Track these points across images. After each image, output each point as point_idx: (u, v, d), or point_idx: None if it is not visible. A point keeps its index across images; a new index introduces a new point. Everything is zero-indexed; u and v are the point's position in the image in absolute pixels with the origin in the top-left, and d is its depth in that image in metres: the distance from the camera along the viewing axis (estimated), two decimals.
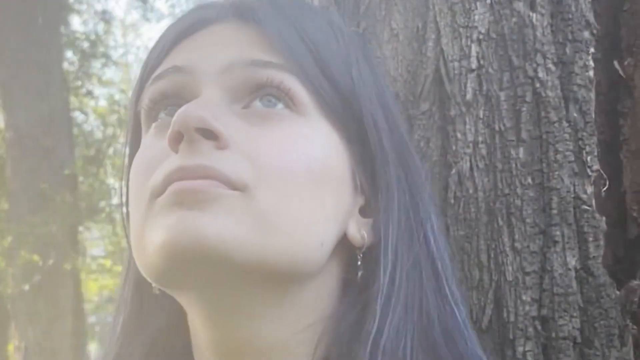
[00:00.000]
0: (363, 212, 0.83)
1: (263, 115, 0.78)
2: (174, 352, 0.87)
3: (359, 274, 0.81)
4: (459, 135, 1.04)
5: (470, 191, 1.03)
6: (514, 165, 1.02)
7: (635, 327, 0.98)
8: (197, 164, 0.72)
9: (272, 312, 0.77)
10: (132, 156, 0.88)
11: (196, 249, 0.69)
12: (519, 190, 1.02)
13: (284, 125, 0.78)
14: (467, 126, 1.04)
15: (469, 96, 1.05)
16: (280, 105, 0.79)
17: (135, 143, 0.87)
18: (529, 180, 1.02)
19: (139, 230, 0.76)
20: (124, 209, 0.90)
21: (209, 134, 0.73)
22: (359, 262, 0.81)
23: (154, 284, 0.79)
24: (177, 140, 0.74)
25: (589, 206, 1.00)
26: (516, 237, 1.01)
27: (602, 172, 1.02)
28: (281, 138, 0.77)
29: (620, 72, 1.07)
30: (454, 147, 1.04)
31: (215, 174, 0.72)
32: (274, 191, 0.74)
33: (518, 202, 1.02)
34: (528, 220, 1.01)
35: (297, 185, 0.76)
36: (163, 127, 0.80)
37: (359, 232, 0.81)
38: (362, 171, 0.83)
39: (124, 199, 0.90)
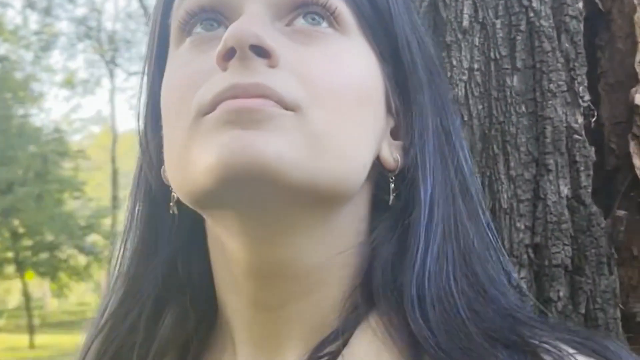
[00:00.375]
0: (393, 134, 0.81)
1: (307, 34, 0.75)
2: (192, 274, 0.84)
3: (392, 197, 0.79)
4: (454, 62, 1.01)
5: (465, 118, 1.01)
6: (508, 93, 1.01)
7: (617, 256, 1.00)
8: (252, 82, 0.68)
9: (312, 234, 0.74)
10: (154, 69, 0.83)
11: (253, 168, 0.66)
12: (513, 118, 1.00)
13: (330, 45, 0.75)
14: (463, 53, 1.01)
15: (465, 23, 1.02)
16: (324, 24, 0.76)
17: (160, 57, 0.82)
18: (523, 108, 1.01)
19: (181, 148, 0.72)
20: (141, 126, 0.85)
21: (262, 52, 0.69)
22: (392, 185, 0.79)
23: (189, 203, 0.74)
24: (229, 57, 0.69)
25: (580, 136, 1.00)
26: (511, 164, 1.00)
27: (591, 103, 1.02)
28: (329, 58, 0.74)
29: (600, 5, 1.07)
30: (449, 74, 1.01)
31: (270, 93, 0.68)
32: (325, 112, 0.71)
33: (513, 130, 1.00)
34: (522, 149, 1.00)
35: (346, 106, 0.73)
36: (200, 43, 0.76)
37: (391, 154, 0.80)
38: (396, 93, 0.81)
39: (142, 113, 0.85)
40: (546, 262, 0.98)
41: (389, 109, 0.81)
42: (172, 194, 0.81)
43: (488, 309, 0.75)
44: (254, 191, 0.68)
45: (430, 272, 0.75)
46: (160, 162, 0.82)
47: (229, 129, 0.67)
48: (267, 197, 0.69)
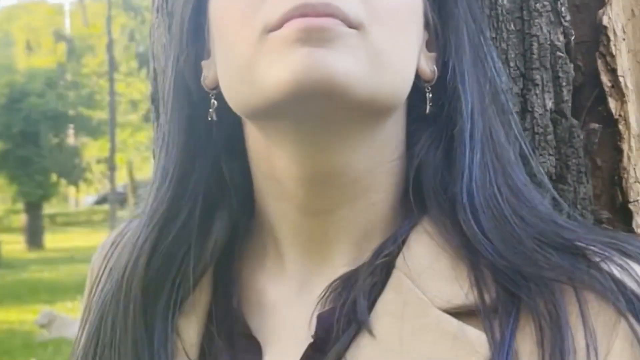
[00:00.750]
0: (428, 46, 0.84)
1: None
2: (234, 178, 0.85)
3: (428, 106, 0.82)
4: None
5: None
6: (500, 11, 1.03)
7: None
8: (321, 1, 0.70)
9: (364, 143, 0.77)
10: None
11: (324, 85, 0.68)
12: (504, 35, 1.03)
13: None
14: None
15: None
16: None
17: None
18: (512, 26, 1.03)
19: (245, 63, 0.73)
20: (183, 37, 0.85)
21: None
22: (429, 95, 0.82)
23: (247, 114, 0.77)
24: None
25: (562, 53, 1.04)
26: (502, 79, 1.02)
27: (569, 24, 1.06)
28: None
29: None
30: None
31: (337, 12, 0.70)
32: (383, 29, 0.73)
33: (504, 45, 1.03)
34: (511, 64, 1.03)
35: (399, 23, 0.76)
36: None
37: (428, 66, 0.83)
38: (432, 7, 0.84)
39: (185, 24, 0.85)
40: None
41: (426, 22, 0.83)
42: (212, 100, 0.82)
43: (531, 215, 0.78)
44: (320, 105, 0.70)
45: (477, 181, 0.78)
46: (199, 70, 0.83)
47: (300, 47, 0.68)
48: (331, 111, 0.71)
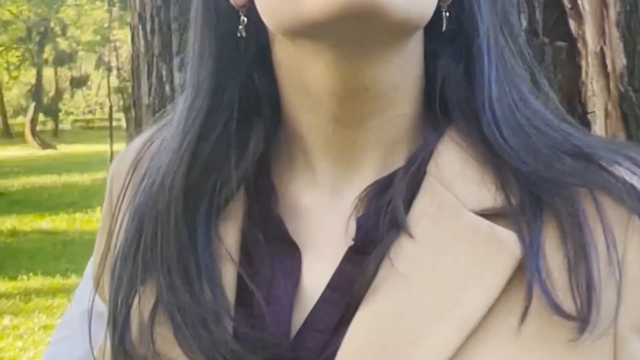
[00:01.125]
0: None
1: None
2: (265, 93, 0.86)
3: (445, 25, 0.84)
4: None
5: None
6: None
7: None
8: None
9: (392, 60, 0.79)
10: None
11: (368, 8, 0.70)
12: None
13: None
14: None
15: None
16: None
17: None
18: None
19: None
20: None
21: None
22: (446, 14, 0.84)
23: (285, 32, 0.77)
24: None
25: None
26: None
27: None
28: None
29: None
30: None
31: None
32: None
33: None
34: None
35: None
36: None
37: None
38: None
39: None
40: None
41: None
42: (242, 17, 0.83)
43: (543, 125, 0.82)
44: (360, 27, 0.72)
45: (495, 95, 0.81)
46: None
47: None
48: (369, 31, 0.73)
